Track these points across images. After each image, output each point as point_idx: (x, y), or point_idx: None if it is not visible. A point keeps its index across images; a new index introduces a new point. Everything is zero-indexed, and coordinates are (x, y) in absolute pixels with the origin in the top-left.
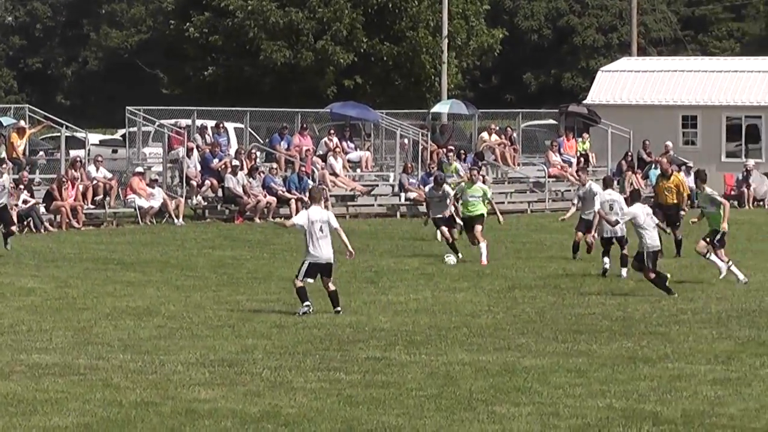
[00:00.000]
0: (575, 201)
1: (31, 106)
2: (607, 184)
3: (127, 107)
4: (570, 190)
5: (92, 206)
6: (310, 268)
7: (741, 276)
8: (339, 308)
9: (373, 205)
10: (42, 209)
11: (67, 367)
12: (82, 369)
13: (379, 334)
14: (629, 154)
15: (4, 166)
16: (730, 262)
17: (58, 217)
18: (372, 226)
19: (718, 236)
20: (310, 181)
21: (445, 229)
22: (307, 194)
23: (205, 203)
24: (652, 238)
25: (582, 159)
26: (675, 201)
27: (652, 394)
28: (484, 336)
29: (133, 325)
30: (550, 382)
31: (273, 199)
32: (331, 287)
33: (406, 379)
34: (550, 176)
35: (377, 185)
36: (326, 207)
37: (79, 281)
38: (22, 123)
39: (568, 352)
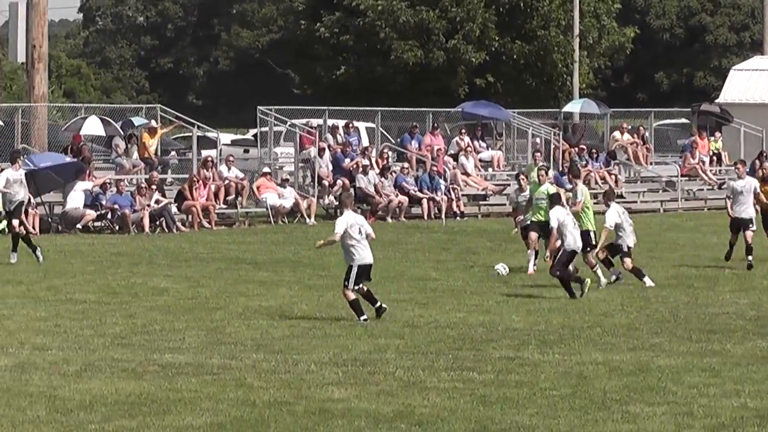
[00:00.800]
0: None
1: (162, 106)
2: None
3: (258, 107)
4: (702, 189)
5: (224, 206)
6: (361, 271)
7: None
8: (379, 303)
9: (504, 204)
10: (174, 209)
11: (200, 366)
12: (215, 368)
13: (511, 334)
14: (764, 153)
15: (20, 160)
16: None
17: (190, 217)
18: (504, 225)
19: None
20: (441, 181)
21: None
22: (337, 201)
23: (337, 203)
24: (574, 238)
25: (714, 158)
26: None
27: None
28: (617, 335)
29: (265, 325)
30: (684, 382)
31: (405, 199)
32: (364, 289)
33: (540, 379)
34: (682, 175)
35: (509, 184)
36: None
37: (212, 281)
38: (153, 123)
39: (702, 352)
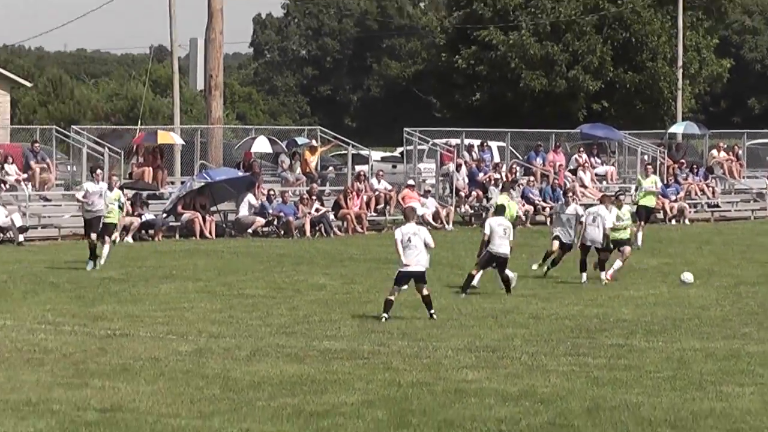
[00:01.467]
0: None
1: (322, 128)
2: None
3: (404, 128)
4: None
5: (374, 214)
6: (400, 277)
7: None
8: (433, 311)
9: None
10: (331, 216)
11: (353, 352)
12: (366, 354)
13: (621, 324)
14: None
15: (98, 172)
16: None
17: (345, 223)
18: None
19: None
20: (560, 192)
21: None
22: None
23: (472, 211)
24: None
25: None
26: None
27: None
28: (713, 326)
29: (409, 316)
30: None
31: (530, 208)
32: (425, 292)
33: (645, 363)
34: None
35: (621, 195)
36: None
37: (363, 278)
38: (314, 142)
39: None
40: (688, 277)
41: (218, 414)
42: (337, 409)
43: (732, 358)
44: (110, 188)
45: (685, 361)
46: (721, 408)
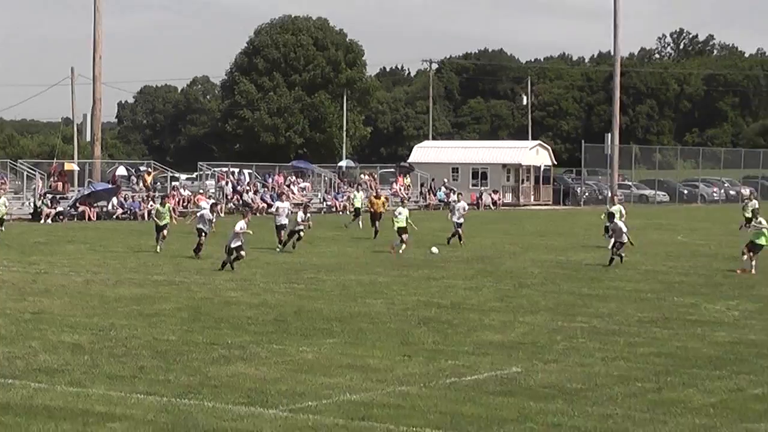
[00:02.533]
0: None
1: (155, 162)
2: None
3: (199, 162)
4: None
5: (183, 208)
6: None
7: None
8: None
9: None
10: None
11: (171, 281)
12: (177, 282)
13: None
14: None
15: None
16: None
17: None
18: None
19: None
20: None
21: None
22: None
23: (234, 206)
24: None
25: None
26: None
27: None
28: None
29: (209, 265)
30: None
31: (265, 205)
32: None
33: None
34: None
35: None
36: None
37: (219, 248)
38: (149, 169)
39: None
40: (435, 249)
41: (97, 315)
42: (162, 312)
43: None
44: None
45: None
46: None
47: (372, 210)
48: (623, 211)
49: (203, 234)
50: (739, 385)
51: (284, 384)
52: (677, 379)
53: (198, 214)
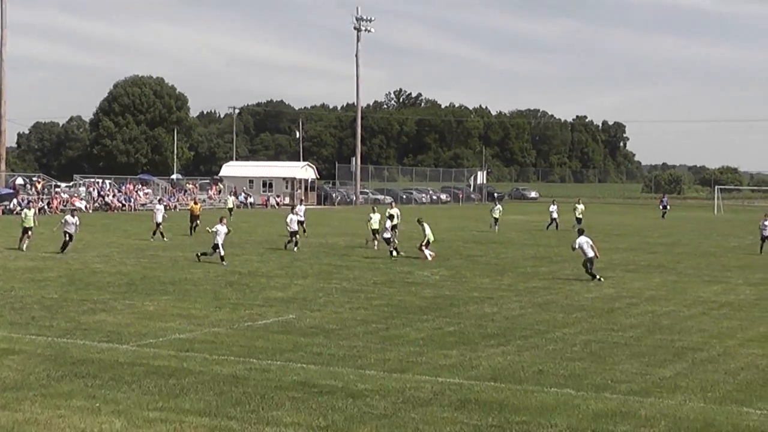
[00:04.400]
0: None
1: (43, 174)
2: None
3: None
4: None
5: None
6: None
7: None
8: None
9: None
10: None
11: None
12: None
13: None
14: None
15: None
16: None
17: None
18: None
19: None
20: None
21: None
22: None
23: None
24: None
25: None
26: None
27: None
28: None
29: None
30: None
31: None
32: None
33: None
34: None
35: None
36: None
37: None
38: (39, 179)
39: None
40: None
41: (1, 280)
42: (47, 278)
43: None
44: None
45: None
46: None
47: (191, 212)
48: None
49: (68, 235)
50: (439, 325)
51: (133, 327)
52: (399, 322)
53: (63, 221)
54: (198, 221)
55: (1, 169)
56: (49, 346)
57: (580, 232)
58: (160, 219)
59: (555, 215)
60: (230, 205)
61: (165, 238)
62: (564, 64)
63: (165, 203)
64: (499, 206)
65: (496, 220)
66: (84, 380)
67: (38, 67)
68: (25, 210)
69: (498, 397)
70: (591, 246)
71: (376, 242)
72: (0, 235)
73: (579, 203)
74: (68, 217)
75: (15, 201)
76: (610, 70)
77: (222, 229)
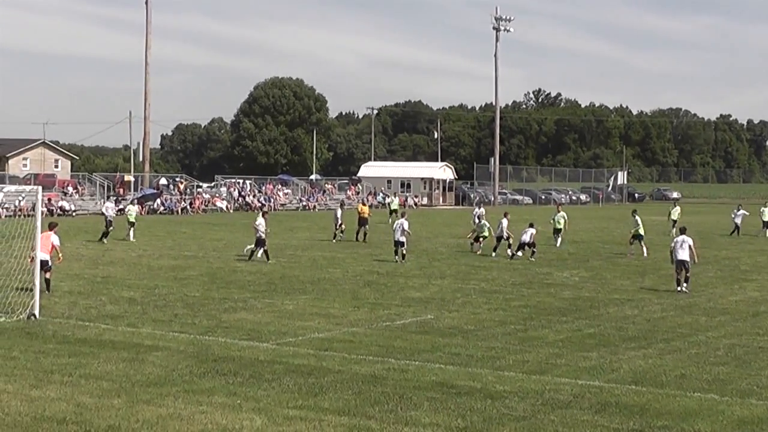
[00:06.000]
0: None
1: (185, 175)
2: None
3: None
4: None
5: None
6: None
7: None
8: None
9: None
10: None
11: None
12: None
13: None
14: None
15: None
16: None
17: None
18: None
19: None
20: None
21: None
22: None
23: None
24: None
25: None
26: None
27: None
28: None
29: None
30: None
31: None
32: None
33: None
34: None
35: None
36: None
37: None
38: (181, 180)
39: None
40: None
41: (146, 278)
42: (190, 276)
43: None
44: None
45: None
46: None
47: (359, 215)
48: (566, 217)
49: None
50: (578, 327)
51: (273, 326)
52: (537, 323)
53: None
54: (367, 226)
55: (145, 170)
56: (192, 343)
57: (682, 231)
58: (340, 219)
59: (738, 220)
60: (394, 207)
61: (337, 238)
62: (707, 62)
63: (345, 206)
64: (677, 207)
65: (674, 222)
66: (225, 377)
67: (181, 69)
68: (130, 206)
69: (639, 401)
70: (690, 246)
71: (477, 245)
72: (144, 235)
73: (739, 209)
74: (108, 204)
75: (158, 201)
76: (755, 68)
77: (262, 222)
